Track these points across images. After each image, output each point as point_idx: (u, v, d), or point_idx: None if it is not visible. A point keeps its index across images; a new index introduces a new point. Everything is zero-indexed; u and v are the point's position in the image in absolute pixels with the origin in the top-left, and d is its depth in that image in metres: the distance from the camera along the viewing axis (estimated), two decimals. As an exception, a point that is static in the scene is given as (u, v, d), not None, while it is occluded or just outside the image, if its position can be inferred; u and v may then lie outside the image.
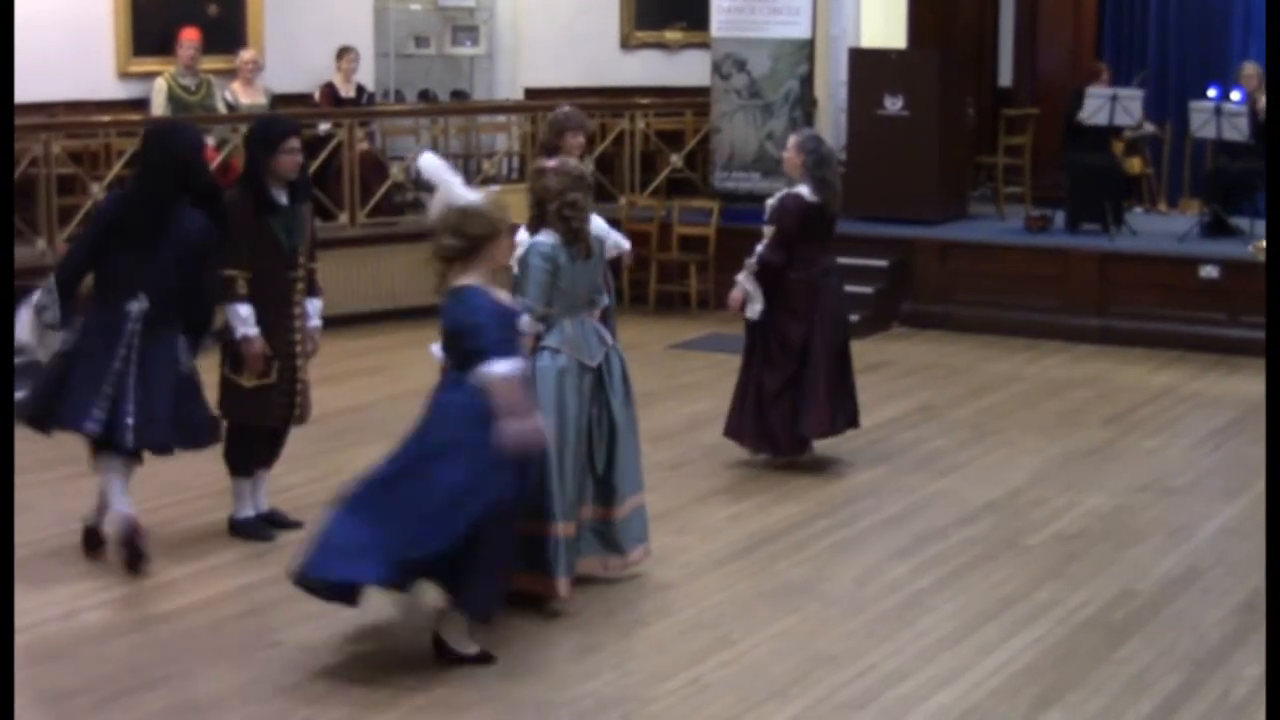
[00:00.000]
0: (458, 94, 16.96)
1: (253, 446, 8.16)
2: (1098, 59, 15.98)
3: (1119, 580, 7.68)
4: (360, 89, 15.02)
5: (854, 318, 13.04)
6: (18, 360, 7.93)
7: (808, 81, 14.67)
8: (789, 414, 9.28)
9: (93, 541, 8.04)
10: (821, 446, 9.57)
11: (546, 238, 7.08)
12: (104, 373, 7.63)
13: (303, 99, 14.73)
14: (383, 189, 14.07)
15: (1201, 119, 13.89)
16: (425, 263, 6.64)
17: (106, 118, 13.25)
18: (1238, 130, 13.55)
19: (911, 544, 8.19)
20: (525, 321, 6.79)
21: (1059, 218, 14.40)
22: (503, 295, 6.64)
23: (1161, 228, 14.33)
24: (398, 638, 6.90)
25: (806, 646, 6.82)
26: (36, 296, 7.78)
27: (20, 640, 6.72)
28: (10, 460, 7.06)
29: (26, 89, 12.71)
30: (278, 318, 7.96)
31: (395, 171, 14.39)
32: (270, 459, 8.31)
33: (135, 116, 13.49)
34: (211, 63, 14.06)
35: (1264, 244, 12.57)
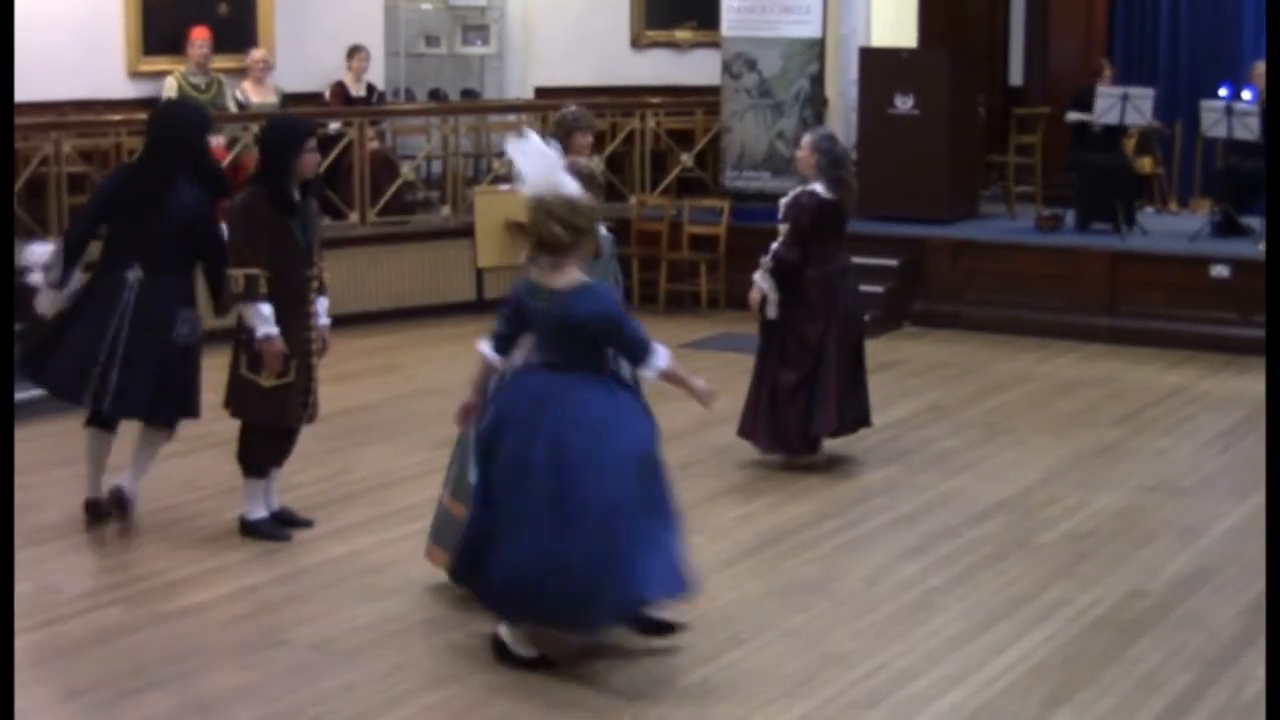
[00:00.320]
0: (468, 93, 16.97)
1: (269, 446, 8.16)
2: (1109, 58, 15.96)
3: (1130, 580, 7.67)
4: (371, 88, 15.03)
5: (865, 317, 13.09)
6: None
7: (818, 81, 14.68)
8: (803, 413, 9.27)
9: (95, 513, 8.32)
10: (832, 446, 9.57)
11: None
12: (100, 339, 8.00)
13: (313, 98, 14.75)
14: (393, 188, 14.08)
15: (1212, 118, 13.87)
16: (513, 244, 6.59)
17: (117, 117, 13.25)
18: (1249, 129, 13.53)
19: (922, 543, 8.18)
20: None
21: (1070, 217, 14.39)
22: None
23: (1172, 227, 14.32)
24: (408, 636, 6.91)
25: (816, 645, 6.81)
26: (49, 251, 8.16)
27: (29, 639, 6.74)
28: (10, 460, 7.06)
29: (37, 88, 12.76)
30: (295, 316, 7.96)
31: (406, 170, 14.39)
32: (283, 458, 8.31)
33: (145, 115, 13.46)
34: (222, 62, 14.07)
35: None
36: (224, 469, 8.38)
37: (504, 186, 14.11)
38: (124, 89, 13.97)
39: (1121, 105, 13.96)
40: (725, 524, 8.48)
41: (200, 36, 13.82)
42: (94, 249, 8.32)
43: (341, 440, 9.80)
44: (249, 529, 8.16)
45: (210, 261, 8.11)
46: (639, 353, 6.48)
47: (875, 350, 12.36)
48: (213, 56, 13.93)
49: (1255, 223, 13.56)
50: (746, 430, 9.49)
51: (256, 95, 14.03)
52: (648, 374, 6.51)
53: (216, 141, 13.37)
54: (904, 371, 12.14)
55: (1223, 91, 14.40)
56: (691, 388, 6.63)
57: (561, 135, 8.78)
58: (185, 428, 9.43)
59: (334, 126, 14.08)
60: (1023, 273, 13.68)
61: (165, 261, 8.05)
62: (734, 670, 6.56)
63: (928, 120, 14.41)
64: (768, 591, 7.47)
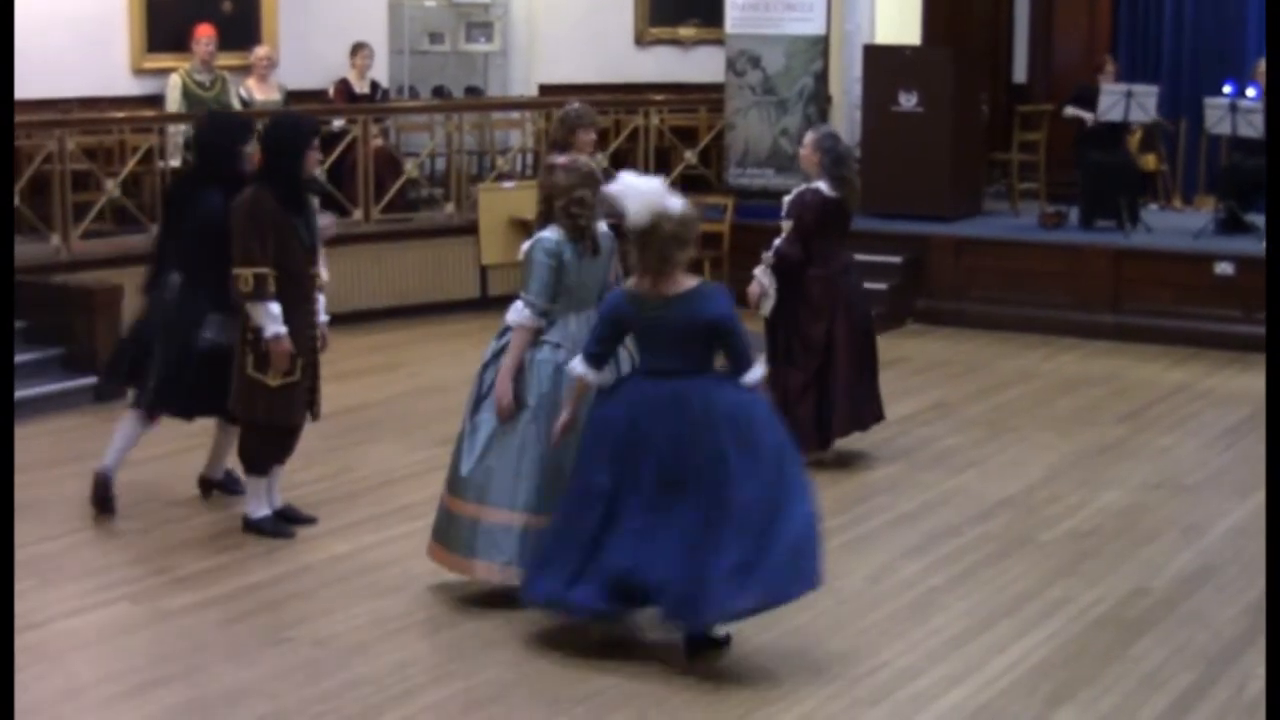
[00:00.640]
0: (472, 90, 16.96)
1: (272, 445, 8.16)
2: (1113, 55, 15.95)
3: (1132, 577, 7.67)
4: (375, 85, 15.02)
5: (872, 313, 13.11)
6: None
7: (822, 78, 14.67)
8: (813, 412, 9.26)
9: (206, 488, 8.77)
10: (838, 443, 9.55)
11: (552, 234, 7.08)
12: (150, 341, 8.33)
13: (317, 95, 14.74)
14: (397, 185, 14.07)
15: (1217, 115, 13.85)
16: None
17: (121, 114, 13.26)
18: (1253, 127, 13.51)
19: (925, 541, 8.18)
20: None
21: (1074, 214, 14.38)
22: None
23: (1176, 224, 14.30)
24: (410, 634, 6.91)
25: (819, 644, 6.81)
26: None
27: (34, 636, 6.75)
28: (10, 459, 7.08)
29: (41, 85, 12.77)
30: (300, 314, 7.97)
31: (409, 168, 14.39)
32: (286, 456, 8.31)
33: (149, 113, 13.51)
34: (226, 59, 14.07)
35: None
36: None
37: (507, 184, 14.20)
38: (128, 86, 13.97)
39: (1126, 102, 13.95)
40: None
41: (205, 34, 13.82)
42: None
43: (345, 438, 9.81)
44: (252, 527, 8.16)
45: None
46: (747, 357, 6.59)
47: (879, 347, 12.38)
48: (217, 54, 13.93)
49: (1259, 220, 13.54)
50: None
51: (260, 93, 14.02)
52: (750, 378, 6.56)
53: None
54: (907, 369, 12.13)
55: (1227, 89, 14.39)
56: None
57: (564, 132, 8.83)
58: (187, 426, 9.45)
59: (338, 124, 14.07)
60: (1026, 270, 13.67)
61: (198, 266, 8.14)
62: (737, 667, 6.56)
63: (931, 117, 14.40)
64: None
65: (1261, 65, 14.24)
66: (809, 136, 9.43)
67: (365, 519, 8.44)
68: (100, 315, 11.04)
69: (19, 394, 10.03)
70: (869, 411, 9.48)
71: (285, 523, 8.23)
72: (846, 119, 15.42)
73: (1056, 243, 13.84)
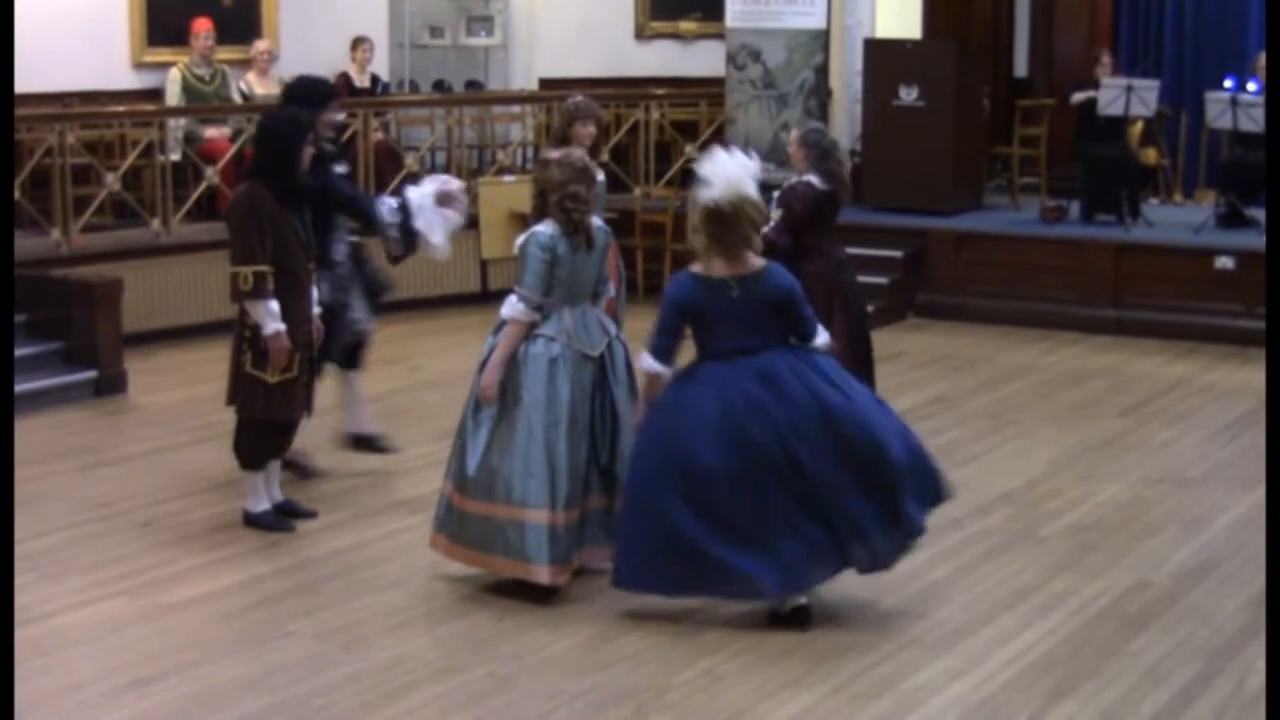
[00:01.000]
0: (472, 84, 16.95)
1: (267, 441, 8.16)
2: (1113, 49, 15.94)
3: (1134, 571, 7.66)
4: (375, 79, 15.03)
5: (869, 309, 13.08)
6: None
7: (823, 72, 14.66)
8: None
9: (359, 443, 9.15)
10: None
11: (546, 228, 7.09)
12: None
13: (317, 89, 14.70)
14: (397, 179, 14.03)
15: (1217, 109, 13.84)
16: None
17: (121, 108, 13.25)
18: (1254, 121, 13.49)
19: (927, 535, 8.15)
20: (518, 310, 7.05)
21: (1075, 209, 14.37)
22: None
23: (1177, 219, 14.29)
24: (412, 628, 6.91)
25: (821, 636, 6.80)
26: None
27: (33, 630, 6.74)
28: (10, 453, 7.07)
29: (41, 79, 12.78)
30: (298, 310, 7.96)
31: (410, 162, 14.38)
32: (282, 451, 8.31)
33: (150, 106, 13.50)
34: (227, 53, 14.06)
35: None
36: (227, 460, 8.37)
37: (508, 178, 14.20)
38: (128, 80, 13.97)
39: (1126, 97, 13.94)
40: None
41: (202, 28, 13.81)
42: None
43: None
44: (252, 521, 8.16)
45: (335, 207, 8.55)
46: (812, 325, 6.96)
47: (879, 342, 12.29)
48: (216, 48, 13.92)
49: (1260, 214, 13.53)
50: None
51: (261, 87, 14.00)
52: (819, 342, 6.93)
53: (220, 133, 13.40)
54: (908, 363, 12.12)
55: (1228, 83, 14.38)
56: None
57: (563, 124, 8.83)
58: (187, 419, 9.49)
59: (338, 117, 14.03)
60: (1027, 264, 13.67)
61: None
62: (739, 660, 6.56)
63: (932, 112, 14.39)
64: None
65: (1262, 59, 14.23)
66: (794, 133, 9.43)
67: (365, 513, 8.43)
68: (100, 309, 11.03)
69: (19, 388, 10.04)
70: None
71: (285, 517, 8.22)
72: (847, 113, 15.41)
73: (1057, 237, 13.83)
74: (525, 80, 16.66)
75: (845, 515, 6.69)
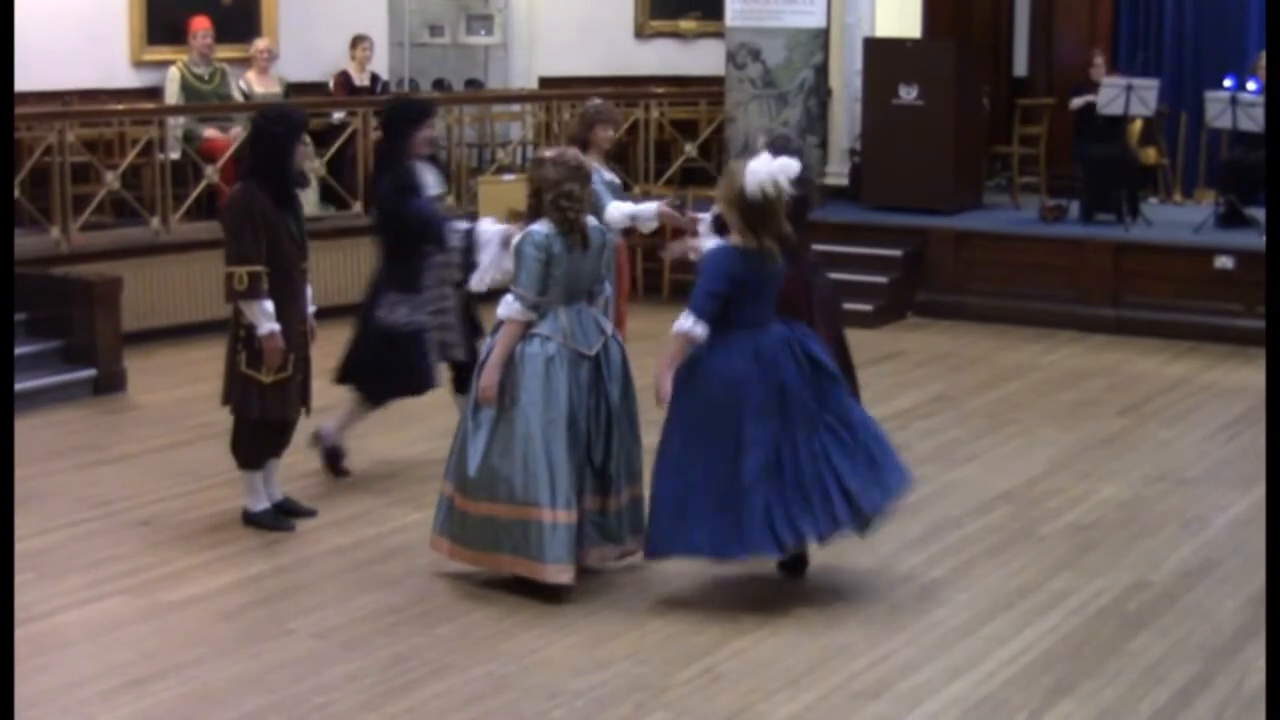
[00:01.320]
0: (472, 83, 16.96)
1: (264, 440, 8.15)
2: (1113, 48, 15.93)
3: (1134, 570, 7.66)
4: (374, 78, 15.02)
5: (868, 307, 13.09)
6: None
7: (822, 71, 14.67)
8: None
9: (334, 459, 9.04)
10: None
11: (542, 227, 7.09)
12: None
13: (317, 88, 14.75)
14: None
15: (1217, 109, 13.84)
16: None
17: (120, 106, 13.25)
18: (1254, 120, 13.50)
19: (926, 534, 8.17)
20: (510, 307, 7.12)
21: (1074, 208, 14.37)
22: None
23: (1177, 218, 14.29)
24: (411, 627, 6.90)
25: (820, 636, 6.80)
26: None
27: (33, 629, 6.74)
28: (10, 451, 7.07)
29: (41, 77, 12.78)
30: (292, 309, 7.96)
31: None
32: (279, 450, 8.30)
33: (149, 105, 13.50)
34: (227, 51, 14.06)
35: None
36: (226, 459, 8.37)
37: (508, 177, 14.18)
38: (128, 78, 13.97)
39: (1126, 96, 13.93)
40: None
41: (200, 27, 13.81)
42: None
43: (345, 430, 9.79)
44: (251, 520, 8.16)
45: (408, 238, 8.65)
46: None
47: (878, 341, 12.39)
48: (216, 46, 13.92)
49: (1260, 214, 13.53)
50: None
51: (260, 85, 14.01)
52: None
53: (227, 136, 13.40)
54: (907, 362, 12.13)
55: (1227, 82, 14.37)
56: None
57: (583, 128, 8.89)
58: (186, 418, 9.49)
59: (338, 116, 14.07)
60: (1027, 263, 13.67)
61: (381, 246, 8.83)
62: (738, 659, 6.56)
63: (932, 111, 14.39)
64: (772, 581, 7.46)
65: (1262, 59, 14.23)
66: (761, 139, 9.38)
67: (365, 511, 8.43)
68: (99, 307, 11.03)
69: (18, 386, 10.04)
70: None
71: (285, 515, 8.22)
72: (847, 112, 15.42)
73: (1057, 236, 13.83)
74: (525, 79, 16.66)
75: (835, 472, 7.10)
